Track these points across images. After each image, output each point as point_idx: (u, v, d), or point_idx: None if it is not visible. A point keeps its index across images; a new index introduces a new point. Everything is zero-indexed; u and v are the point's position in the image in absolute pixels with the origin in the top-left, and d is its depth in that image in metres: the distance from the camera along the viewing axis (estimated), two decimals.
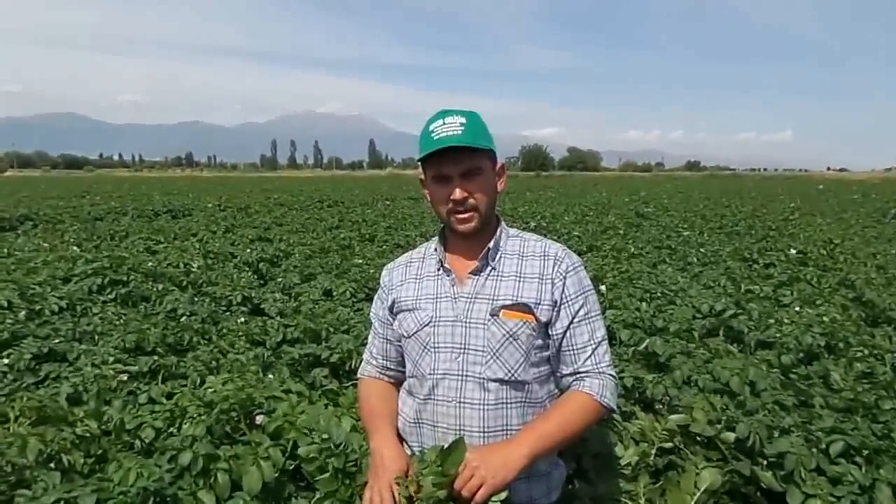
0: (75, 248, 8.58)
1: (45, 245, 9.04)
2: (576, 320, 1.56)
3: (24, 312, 4.43)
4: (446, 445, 1.42)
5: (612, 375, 1.59)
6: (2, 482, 2.02)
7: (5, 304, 4.53)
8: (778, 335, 3.75)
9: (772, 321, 4.06)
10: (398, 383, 1.76)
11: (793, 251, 8.04)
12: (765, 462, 2.13)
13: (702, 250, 8.35)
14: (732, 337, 4.02)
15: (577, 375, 1.58)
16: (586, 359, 1.56)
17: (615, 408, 1.60)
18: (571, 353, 1.57)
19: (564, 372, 1.60)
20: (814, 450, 2.10)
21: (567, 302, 1.56)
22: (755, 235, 10.60)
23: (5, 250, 8.19)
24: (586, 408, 1.52)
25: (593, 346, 1.57)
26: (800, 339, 3.57)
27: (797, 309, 4.54)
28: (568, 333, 1.56)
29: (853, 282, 5.67)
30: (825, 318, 4.06)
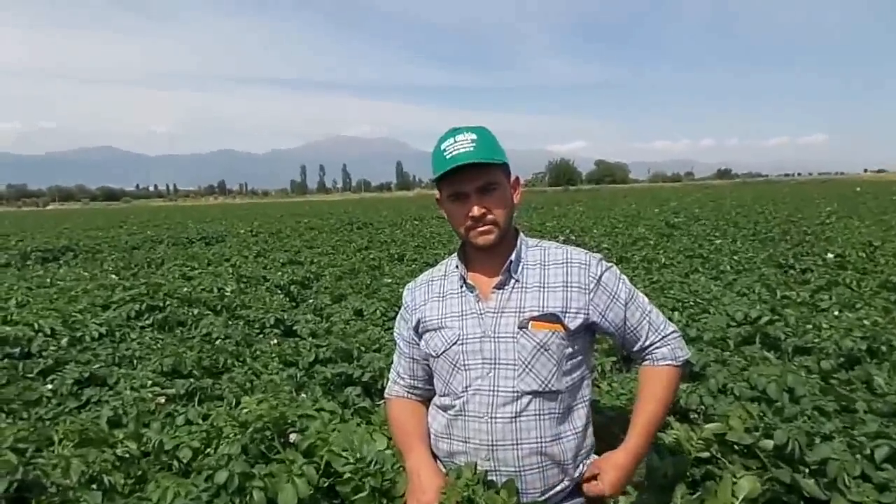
0: (114, 276, 8.83)
1: (86, 274, 9.31)
2: (627, 307, 1.60)
3: (66, 339, 4.57)
4: (479, 462, 1.50)
5: (672, 331, 1.66)
6: (47, 502, 2.08)
7: (49, 332, 4.68)
8: (816, 340, 3.66)
9: (810, 326, 3.96)
10: (426, 401, 1.76)
11: (830, 255, 7.84)
12: (806, 470, 2.07)
13: (735, 258, 8.20)
14: (769, 344, 3.92)
15: (647, 349, 1.64)
16: (647, 332, 1.62)
17: (689, 354, 1.73)
18: (634, 332, 1.62)
19: (634, 349, 1.67)
20: (857, 456, 2.03)
21: (613, 298, 1.59)
22: (790, 241, 10.37)
23: (48, 280, 8.47)
24: (671, 376, 1.63)
25: (647, 317, 1.62)
26: (840, 343, 3.47)
27: (836, 313, 4.42)
28: (626, 319, 1.61)
29: None
30: (866, 322, 3.94)
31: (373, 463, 1.72)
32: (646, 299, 1.67)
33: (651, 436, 1.62)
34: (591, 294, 1.55)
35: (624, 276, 1.66)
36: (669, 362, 1.63)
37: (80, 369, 3.79)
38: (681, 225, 14.77)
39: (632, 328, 1.61)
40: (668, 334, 1.64)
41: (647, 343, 1.63)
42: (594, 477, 1.57)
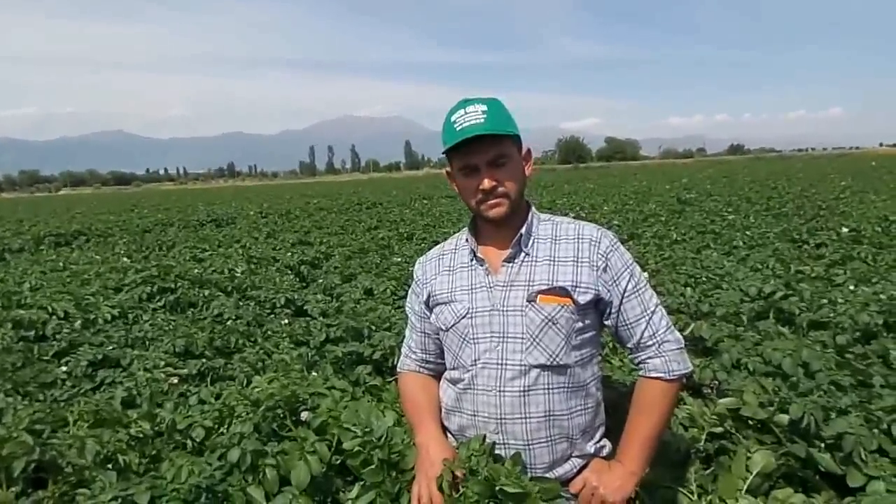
0: (125, 259, 8.88)
1: (98, 257, 9.38)
2: (626, 296, 1.54)
3: (79, 322, 4.61)
4: (488, 434, 1.50)
5: (672, 340, 1.56)
6: (63, 482, 2.10)
7: (62, 315, 4.72)
8: (832, 315, 3.61)
9: (825, 301, 3.91)
10: (438, 375, 1.76)
11: (845, 230, 7.73)
12: (822, 444, 2.05)
13: (748, 233, 8.12)
14: (783, 319, 3.89)
15: (640, 351, 1.57)
16: (643, 331, 1.55)
17: (688, 369, 1.59)
18: (627, 328, 1.56)
19: (627, 346, 1.60)
20: (874, 430, 2.01)
21: (615, 281, 1.54)
22: (804, 216, 10.24)
23: (61, 264, 8.53)
24: (663, 391, 1.55)
25: (647, 316, 1.55)
26: (855, 318, 3.42)
27: (852, 288, 4.36)
28: (621, 310, 1.55)
29: None
30: (882, 296, 3.88)
31: (382, 437, 1.72)
32: (654, 298, 1.59)
33: (646, 453, 1.55)
34: (600, 272, 1.53)
35: (635, 266, 1.59)
36: (660, 375, 1.54)
37: (94, 351, 3.82)
38: (693, 201, 14.63)
39: (626, 322, 1.55)
40: (665, 342, 1.55)
41: (639, 344, 1.56)
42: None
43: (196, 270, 6.82)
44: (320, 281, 6.62)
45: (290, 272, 7.30)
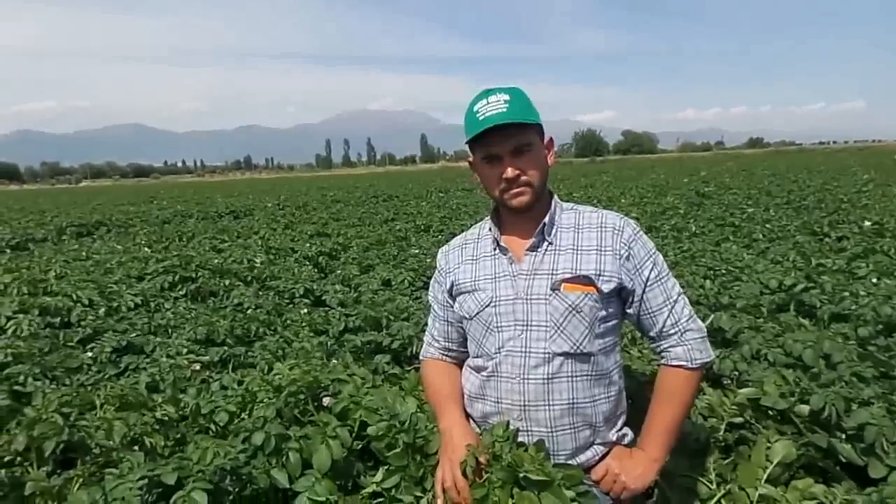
0: (146, 249, 9.00)
1: (119, 247, 9.52)
2: (649, 285, 1.55)
3: (103, 309, 4.70)
4: (511, 421, 1.51)
5: (694, 329, 1.57)
6: (92, 462, 2.15)
7: (87, 302, 4.81)
8: (854, 307, 3.57)
9: (846, 294, 3.86)
10: (460, 363, 1.77)
11: (867, 223, 7.62)
12: (843, 435, 2.04)
13: (768, 226, 8.03)
14: (804, 312, 3.85)
15: (662, 340, 1.57)
16: (665, 319, 1.55)
17: (710, 358, 1.60)
18: (650, 317, 1.56)
19: (650, 335, 1.60)
20: None
21: (638, 270, 1.54)
22: (826, 209, 10.10)
23: (84, 254, 8.67)
24: (686, 379, 1.56)
25: (669, 305, 1.55)
26: (878, 310, 3.38)
27: (874, 281, 4.30)
28: (644, 299, 1.55)
29: None
30: None
31: (407, 422, 1.74)
32: (676, 286, 1.59)
33: (668, 441, 1.57)
34: (623, 260, 1.53)
35: (658, 254, 1.59)
36: (683, 364, 1.55)
37: (118, 338, 3.89)
38: (711, 194, 14.49)
39: (648, 310, 1.56)
40: (688, 331, 1.55)
41: (662, 333, 1.56)
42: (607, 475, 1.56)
43: (216, 261, 6.90)
44: (338, 272, 6.66)
45: (308, 263, 7.36)
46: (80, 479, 2.04)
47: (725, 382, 2.62)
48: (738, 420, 2.23)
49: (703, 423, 2.24)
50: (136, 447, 2.24)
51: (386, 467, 1.67)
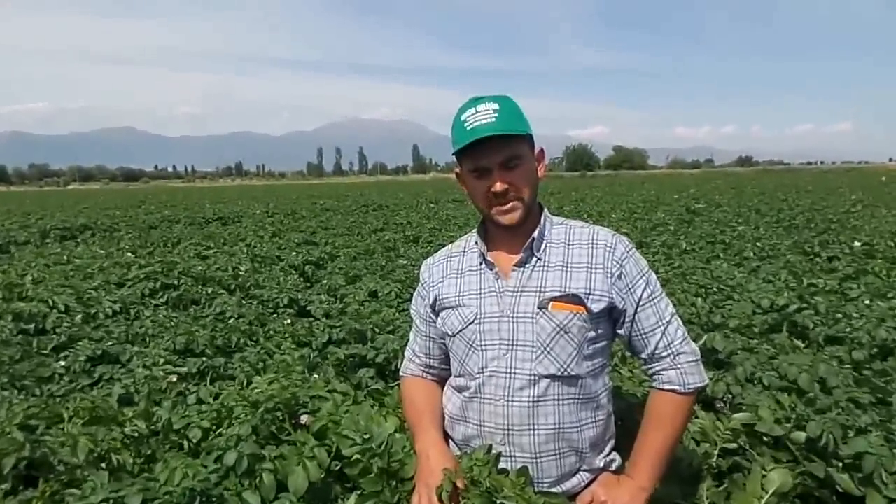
0: (130, 254, 8.86)
1: (102, 252, 9.36)
2: (641, 304, 1.48)
3: (80, 316, 4.57)
4: (493, 445, 1.45)
5: (688, 352, 1.50)
6: (55, 481, 2.04)
7: (63, 308, 4.68)
8: (848, 330, 3.53)
9: (840, 315, 3.82)
10: (441, 381, 1.70)
11: (857, 243, 7.63)
12: (840, 464, 1.97)
13: (758, 245, 8.03)
14: (797, 333, 3.80)
15: (654, 362, 1.50)
16: (657, 341, 1.48)
17: (704, 382, 1.53)
18: (642, 338, 1.49)
19: (641, 357, 1.53)
20: (895, 450, 1.93)
21: (630, 290, 1.47)
22: (815, 229, 10.14)
23: (65, 258, 8.52)
24: (678, 404, 1.49)
25: (662, 326, 1.48)
26: (872, 333, 3.34)
27: (867, 302, 4.27)
28: (635, 319, 1.48)
29: None
30: None
31: (382, 445, 1.65)
32: (670, 307, 1.52)
33: (658, 468, 1.50)
34: (614, 279, 1.46)
35: (651, 273, 1.52)
36: (675, 388, 1.48)
37: (94, 346, 3.78)
38: (701, 211, 14.54)
39: (640, 332, 1.49)
40: (681, 353, 1.49)
41: (654, 355, 1.49)
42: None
43: (200, 268, 6.78)
44: (325, 282, 6.56)
45: (294, 272, 7.25)
46: (41, 500, 1.93)
47: (718, 406, 2.55)
48: (732, 446, 2.15)
49: (695, 448, 2.16)
50: (102, 465, 2.13)
51: (358, 492, 1.58)
